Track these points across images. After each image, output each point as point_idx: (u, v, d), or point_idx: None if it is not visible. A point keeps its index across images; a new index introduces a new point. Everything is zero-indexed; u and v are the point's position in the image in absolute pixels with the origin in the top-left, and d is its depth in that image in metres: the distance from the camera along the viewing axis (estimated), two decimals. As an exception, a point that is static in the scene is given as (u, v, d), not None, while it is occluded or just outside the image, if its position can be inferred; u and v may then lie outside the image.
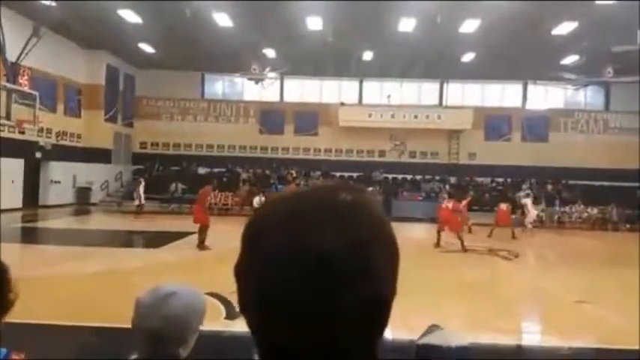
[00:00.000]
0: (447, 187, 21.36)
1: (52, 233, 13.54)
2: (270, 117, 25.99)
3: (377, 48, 20.47)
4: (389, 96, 24.71)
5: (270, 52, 21.28)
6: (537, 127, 25.40)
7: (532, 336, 6.14)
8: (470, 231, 14.79)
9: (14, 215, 16.19)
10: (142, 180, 18.89)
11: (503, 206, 15.79)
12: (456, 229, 12.36)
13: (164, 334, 1.26)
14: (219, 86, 27.11)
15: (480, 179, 24.45)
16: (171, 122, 25.95)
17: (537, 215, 18.02)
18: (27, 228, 14.55)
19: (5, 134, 16.96)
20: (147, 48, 21.64)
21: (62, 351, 4.43)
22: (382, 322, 0.52)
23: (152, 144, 25.76)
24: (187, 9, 16.14)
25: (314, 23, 17.48)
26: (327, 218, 0.51)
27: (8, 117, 16.26)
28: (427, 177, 24.53)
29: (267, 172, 24.31)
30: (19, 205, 17.78)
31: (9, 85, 16.54)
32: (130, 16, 17.46)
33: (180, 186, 21.94)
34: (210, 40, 19.23)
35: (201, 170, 24.45)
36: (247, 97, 26.47)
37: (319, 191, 0.57)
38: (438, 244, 12.39)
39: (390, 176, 24.67)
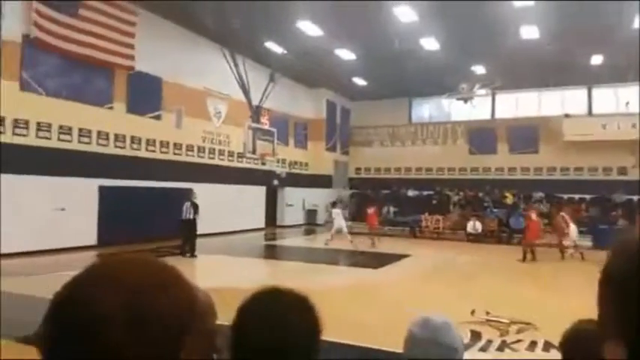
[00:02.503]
0: None
1: (288, 250, 15.52)
2: (481, 136, 24.95)
3: (607, 50, 17.88)
4: (627, 103, 21.18)
5: (479, 69, 20.65)
6: None
7: None
8: None
9: (259, 234, 19.25)
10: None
11: None
12: None
13: None
14: (425, 109, 27.42)
15: None
16: (381, 148, 27.29)
17: None
18: (269, 245, 17.06)
19: (251, 166, 20.51)
20: (359, 81, 23.48)
21: None
22: None
23: (365, 169, 27.51)
24: (396, 39, 16.97)
25: (529, 32, 16.33)
26: None
27: (254, 151, 19.52)
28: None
29: (480, 194, 23.27)
30: (263, 225, 21.08)
31: (254, 125, 19.90)
32: (345, 54, 19.31)
33: (392, 209, 22.71)
34: (417, 65, 19.71)
35: (411, 193, 24.88)
36: (455, 118, 26.06)
37: None
38: None
39: (636, 197, 20.84)
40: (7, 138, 11.84)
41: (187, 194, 13.45)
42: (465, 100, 22.00)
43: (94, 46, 13.76)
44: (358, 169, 27.78)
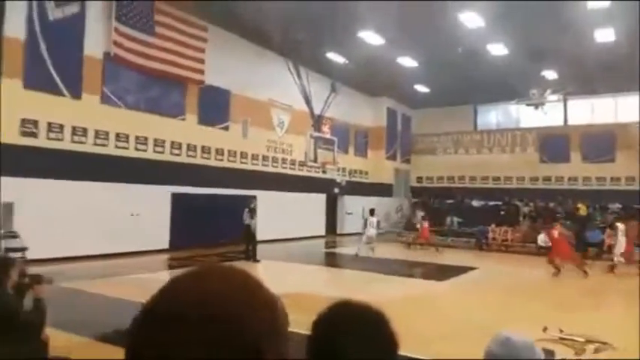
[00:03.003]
0: None
1: (348, 258, 15.53)
2: (552, 143, 23.74)
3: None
4: None
5: (550, 74, 19.72)
6: None
7: None
8: None
9: (320, 241, 19.45)
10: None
11: None
12: None
13: None
14: (492, 116, 26.53)
15: None
16: (444, 156, 26.69)
17: None
18: (329, 253, 17.18)
19: (312, 174, 20.81)
20: (422, 89, 23.16)
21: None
22: None
23: (427, 178, 26.99)
24: (461, 45, 16.62)
25: (603, 35, 15.42)
26: None
27: (315, 160, 19.80)
28: None
29: (552, 204, 22.08)
30: (323, 233, 21.26)
31: (316, 134, 20.20)
32: (407, 61, 19.16)
33: (456, 219, 22.09)
34: (483, 71, 19.15)
35: (476, 203, 24.09)
36: (524, 125, 24.98)
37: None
38: None
39: None
40: (89, 148, 12.84)
41: (247, 201, 13.86)
42: (536, 106, 21.08)
43: (168, 61, 14.64)
44: (420, 178, 27.31)
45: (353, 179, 23.76)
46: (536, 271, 12.68)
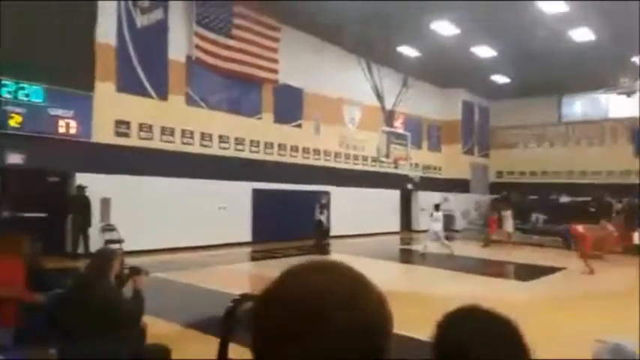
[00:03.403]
0: None
1: (425, 255, 15.18)
2: (648, 134, 21.74)
3: None
4: None
5: (645, 60, 18.03)
6: None
7: None
8: None
9: (394, 238, 19.24)
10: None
11: None
12: None
13: None
14: (577, 107, 24.76)
15: None
16: (526, 150, 25.33)
17: None
18: (404, 250, 16.94)
19: (385, 170, 20.62)
20: (500, 79, 22.11)
21: None
22: None
23: (508, 173, 25.75)
24: (542, 32, 15.65)
25: None
26: None
27: (388, 155, 19.62)
28: None
29: (647, 200, 20.16)
30: (397, 229, 21.00)
31: (388, 129, 20.02)
32: (484, 51, 18.36)
33: (541, 216, 20.90)
34: (568, 59, 17.92)
35: (563, 199, 22.59)
36: (614, 115, 23.07)
37: None
38: None
39: None
40: (177, 147, 13.64)
41: (318, 196, 14.06)
42: (628, 95, 19.42)
43: (245, 62, 15.18)
44: (500, 173, 26.12)
45: (427, 175, 23.22)
46: (631, 269, 11.66)
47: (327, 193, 14.53)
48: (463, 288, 9.24)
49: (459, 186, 24.01)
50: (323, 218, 13.66)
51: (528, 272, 11.78)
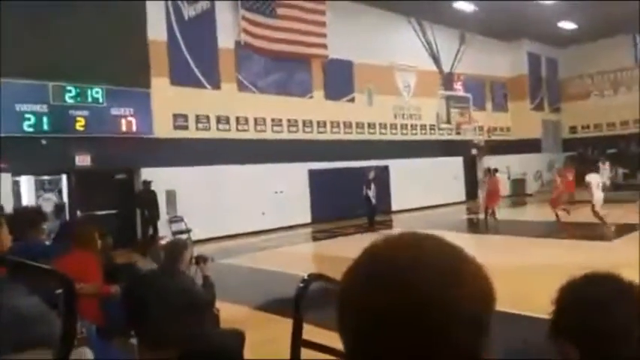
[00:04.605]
0: None
1: (494, 224, 14.46)
2: None
3: None
4: None
5: None
6: None
7: None
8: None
9: (460, 208, 18.52)
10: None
11: None
12: None
13: None
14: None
15: None
16: (601, 99, 23.18)
17: None
18: (470, 219, 16.24)
19: (445, 137, 19.72)
20: (567, 25, 20.17)
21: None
22: None
23: (582, 127, 23.78)
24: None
25: None
26: None
27: (448, 121, 18.75)
28: None
29: None
30: (463, 198, 20.15)
31: (447, 93, 19.07)
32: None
33: (620, 170, 19.23)
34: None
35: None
36: None
37: None
38: None
39: None
40: (233, 134, 13.81)
41: (366, 172, 14.06)
42: None
43: (292, 41, 14.93)
44: (573, 128, 24.18)
45: (493, 138, 21.93)
46: None
47: (373, 168, 14.29)
48: (550, 253, 8.85)
49: (530, 146, 22.46)
50: (370, 194, 13.45)
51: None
